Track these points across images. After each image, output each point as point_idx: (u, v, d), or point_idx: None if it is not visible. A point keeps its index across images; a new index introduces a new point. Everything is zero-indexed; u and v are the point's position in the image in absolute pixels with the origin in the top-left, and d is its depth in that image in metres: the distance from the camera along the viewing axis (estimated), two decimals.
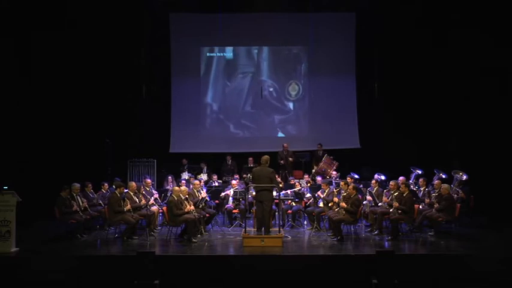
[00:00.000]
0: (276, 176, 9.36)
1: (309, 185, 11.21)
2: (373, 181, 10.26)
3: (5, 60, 10.95)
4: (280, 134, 14.20)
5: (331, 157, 12.44)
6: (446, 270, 7.40)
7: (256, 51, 14.35)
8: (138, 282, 6.94)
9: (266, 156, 9.01)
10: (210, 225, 10.00)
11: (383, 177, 10.98)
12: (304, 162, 13.06)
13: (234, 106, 14.34)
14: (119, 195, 9.05)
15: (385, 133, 13.26)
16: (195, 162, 13.04)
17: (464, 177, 10.12)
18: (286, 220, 10.26)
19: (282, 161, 12.80)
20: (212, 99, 14.38)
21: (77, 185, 9.58)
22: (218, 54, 14.38)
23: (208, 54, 14.36)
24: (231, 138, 14.19)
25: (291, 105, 14.36)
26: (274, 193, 9.20)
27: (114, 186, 9.76)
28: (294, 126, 14.37)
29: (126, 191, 9.60)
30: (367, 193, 9.99)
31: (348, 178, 10.25)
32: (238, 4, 13.58)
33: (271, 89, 14.30)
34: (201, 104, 14.33)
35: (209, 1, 13.75)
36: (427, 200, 9.72)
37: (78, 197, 9.45)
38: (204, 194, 9.95)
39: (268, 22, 13.84)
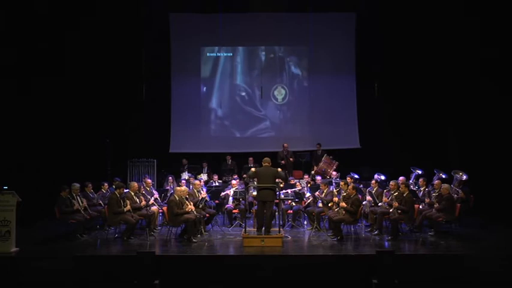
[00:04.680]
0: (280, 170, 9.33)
1: (309, 185, 11.21)
2: (373, 181, 10.26)
3: (4, 61, 10.95)
4: (280, 134, 14.18)
5: (331, 157, 12.45)
6: (446, 270, 7.40)
7: (255, 51, 14.35)
8: (138, 282, 6.94)
9: (268, 158, 9.06)
10: (210, 225, 9.99)
11: (383, 177, 10.97)
12: (304, 162, 13.07)
13: (234, 106, 14.36)
14: (118, 196, 9.04)
15: (385, 133, 13.28)
16: (195, 162, 13.04)
17: (464, 177, 10.11)
18: (286, 220, 10.25)
19: (282, 161, 12.80)
20: (212, 100, 14.38)
21: (77, 185, 9.55)
22: (218, 54, 14.39)
23: (208, 54, 14.37)
24: (231, 138, 14.19)
25: (291, 106, 14.35)
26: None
27: (114, 187, 9.76)
28: (294, 126, 14.35)
29: (126, 191, 9.61)
30: (367, 193, 9.98)
31: (347, 178, 10.25)
32: (238, 4, 13.61)
33: (270, 89, 14.30)
34: (201, 104, 14.33)
35: (209, 1, 13.77)
36: (427, 200, 9.71)
37: (78, 197, 9.45)
38: (204, 194, 9.95)
39: (268, 22, 13.87)
